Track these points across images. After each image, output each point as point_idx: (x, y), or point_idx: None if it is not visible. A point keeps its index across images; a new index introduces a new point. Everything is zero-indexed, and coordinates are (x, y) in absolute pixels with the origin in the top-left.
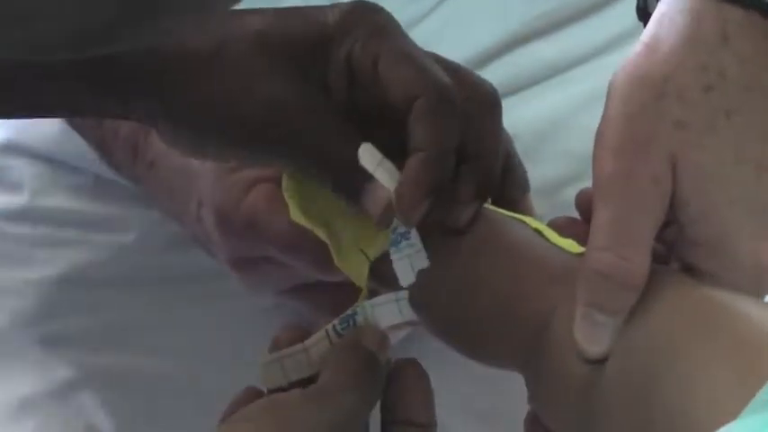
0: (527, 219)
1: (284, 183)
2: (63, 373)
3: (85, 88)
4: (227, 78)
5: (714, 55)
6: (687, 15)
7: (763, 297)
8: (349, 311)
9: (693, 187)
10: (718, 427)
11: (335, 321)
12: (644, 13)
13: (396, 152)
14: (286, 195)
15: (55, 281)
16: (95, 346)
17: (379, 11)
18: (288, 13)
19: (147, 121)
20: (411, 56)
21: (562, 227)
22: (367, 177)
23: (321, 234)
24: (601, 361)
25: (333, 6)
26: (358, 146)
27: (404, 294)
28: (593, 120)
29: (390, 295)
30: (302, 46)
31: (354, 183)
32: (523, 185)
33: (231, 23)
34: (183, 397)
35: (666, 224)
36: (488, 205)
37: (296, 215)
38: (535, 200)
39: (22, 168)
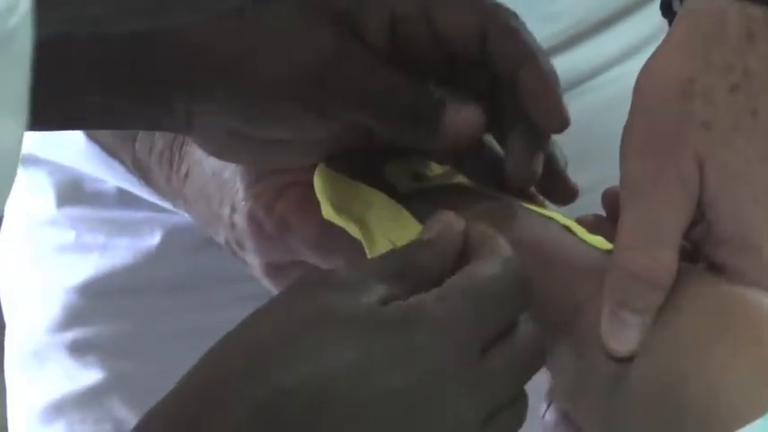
0: (556, 215)
1: (315, 181)
2: (92, 377)
3: (127, 98)
4: (268, 48)
5: (739, 54)
6: (712, 15)
7: None
8: None
9: (720, 186)
10: (746, 422)
11: None
12: (668, 11)
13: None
14: (318, 193)
15: (81, 287)
16: (122, 352)
17: None
18: None
19: (185, 127)
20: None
21: (590, 225)
22: (438, 107)
23: (354, 230)
24: (628, 359)
25: None
26: (413, 81)
27: None
28: (611, 127)
29: None
30: (342, 5)
31: (425, 114)
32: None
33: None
34: None
35: (693, 223)
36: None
37: (328, 213)
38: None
39: (47, 177)
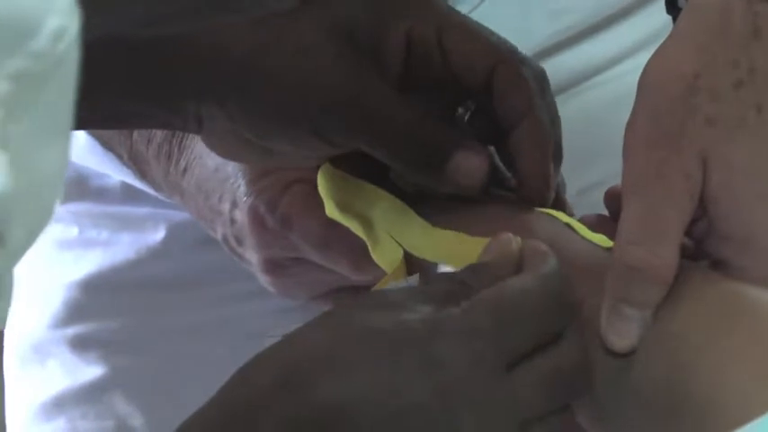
0: (557, 213)
1: (319, 179)
2: (93, 372)
3: (140, 100)
4: (286, 68)
5: (745, 50)
6: (717, 10)
7: None
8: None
9: (723, 182)
10: (749, 417)
11: None
12: (673, 7)
13: (459, 121)
14: (321, 192)
15: (83, 282)
16: (124, 348)
17: None
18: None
19: (192, 126)
20: (474, 27)
21: (592, 225)
22: (449, 150)
23: (357, 229)
24: (627, 354)
25: None
26: (427, 120)
27: (414, 279)
28: (614, 124)
29: (402, 282)
30: (358, 25)
31: (434, 155)
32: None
33: (282, 18)
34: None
35: (695, 219)
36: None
37: (331, 211)
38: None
39: None
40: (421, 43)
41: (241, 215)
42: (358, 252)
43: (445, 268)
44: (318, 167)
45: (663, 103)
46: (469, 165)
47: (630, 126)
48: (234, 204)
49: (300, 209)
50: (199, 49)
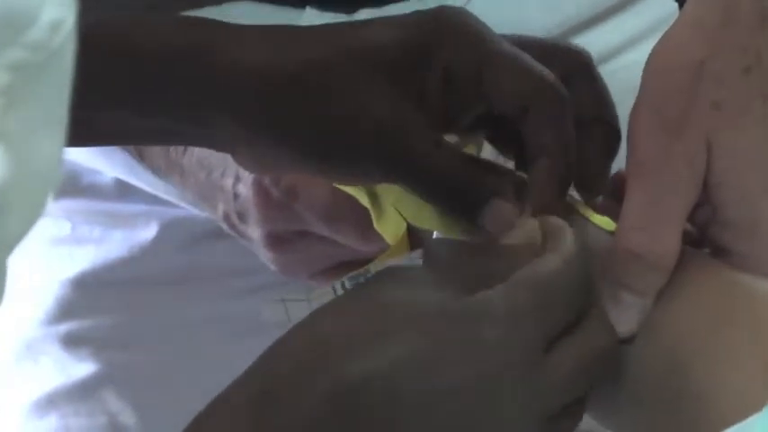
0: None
1: None
2: (85, 369)
3: (163, 116)
4: (319, 96)
5: (753, 37)
6: None
7: None
8: (362, 269)
9: (727, 169)
10: (744, 414)
11: (345, 277)
12: None
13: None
14: None
15: (75, 279)
16: (116, 345)
17: (467, 14)
18: (375, 24)
19: (220, 145)
20: (515, 59)
21: (598, 208)
22: (483, 198)
23: (363, 199)
24: (627, 341)
25: (417, 14)
26: (460, 161)
27: (417, 255)
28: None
29: (405, 258)
30: (398, 57)
31: (469, 201)
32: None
33: (317, 39)
34: (206, 393)
35: (699, 205)
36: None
37: None
38: None
39: None
40: (459, 79)
41: (245, 189)
42: (364, 222)
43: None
44: None
45: (668, 89)
46: (500, 215)
47: (635, 111)
48: (237, 179)
49: (305, 180)
50: (242, 65)
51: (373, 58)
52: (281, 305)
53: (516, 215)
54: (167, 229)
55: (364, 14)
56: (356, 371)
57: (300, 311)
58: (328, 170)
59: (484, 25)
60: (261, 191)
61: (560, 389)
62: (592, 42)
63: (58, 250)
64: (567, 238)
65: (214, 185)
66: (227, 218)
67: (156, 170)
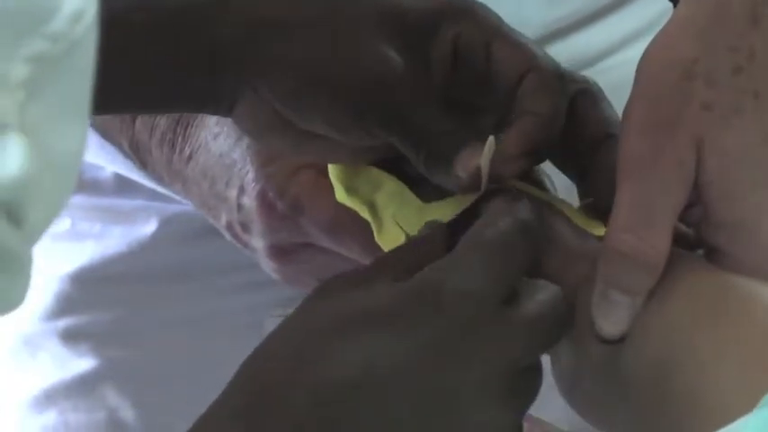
0: (552, 197)
1: (330, 165)
2: (84, 365)
3: (179, 72)
4: (336, 45)
5: (744, 37)
6: None
7: None
8: None
9: (718, 169)
10: (732, 415)
11: None
12: None
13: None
14: (331, 176)
15: (75, 275)
16: (115, 340)
17: (481, 4)
18: None
19: (227, 107)
20: (523, 40)
21: (589, 210)
22: (457, 150)
23: (365, 213)
24: (618, 342)
25: None
26: (453, 122)
27: None
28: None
29: None
30: (415, 22)
31: (446, 153)
32: None
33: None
34: (205, 388)
35: (691, 205)
36: (515, 183)
37: (341, 196)
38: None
39: None
40: (467, 50)
41: (249, 201)
42: (366, 234)
43: None
44: None
45: (659, 89)
46: (468, 164)
47: (626, 112)
48: (241, 190)
49: (310, 193)
50: (249, 16)
51: (386, 14)
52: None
53: (478, 169)
54: (167, 224)
55: None
56: (329, 381)
57: None
58: (333, 120)
59: (494, 12)
60: (265, 203)
61: (523, 336)
62: (590, 39)
63: (57, 246)
64: (512, 205)
65: (217, 196)
66: (230, 227)
67: (158, 178)
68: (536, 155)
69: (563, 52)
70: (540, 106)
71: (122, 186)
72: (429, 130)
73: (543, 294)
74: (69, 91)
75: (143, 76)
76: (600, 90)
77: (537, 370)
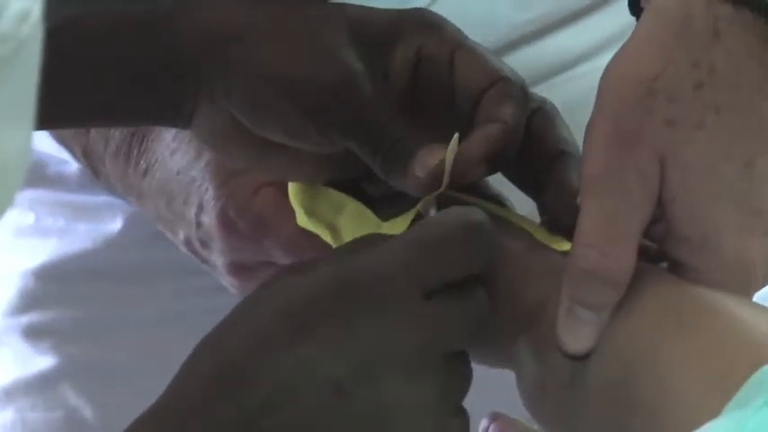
0: (514, 215)
1: (290, 188)
2: (45, 363)
3: (134, 87)
4: (294, 51)
5: (705, 52)
6: (678, 12)
7: (750, 294)
8: None
9: (681, 184)
10: (698, 425)
11: None
12: (636, 8)
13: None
14: (292, 200)
15: (38, 271)
16: (77, 338)
17: (446, 19)
18: (358, 6)
19: (186, 117)
20: (487, 54)
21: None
22: (414, 151)
23: (326, 236)
24: (583, 357)
25: (399, 8)
26: (412, 129)
27: None
28: (580, 123)
29: None
30: (378, 32)
31: (403, 155)
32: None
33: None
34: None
35: (655, 221)
36: (478, 201)
37: (302, 220)
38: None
39: None
40: (430, 62)
41: (209, 219)
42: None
43: None
44: None
45: (621, 106)
46: (426, 162)
47: (589, 128)
48: (200, 208)
49: (272, 212)
50: (203, 22)
51: (346, 23)
52: None
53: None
54: (132, 222)
55: None
56: (255, 400)
57: None
58: (291, 128)
59: (458, 28)
60: (226, 222)
61: (444, 327)
62: (559, 45)
63: (21, 241)
64: (454, 211)
65: (174, 212)
66: (188, 243)
67: (111, 188)
68: (494, 163)
69: (532, 57)
70: (505, 114)
71: (88, 182)
72: (386, 134)
73: (467, 298)
74: (16, 91)
75: (101, 82)
76: (554, 108)
77: (463, 357)
